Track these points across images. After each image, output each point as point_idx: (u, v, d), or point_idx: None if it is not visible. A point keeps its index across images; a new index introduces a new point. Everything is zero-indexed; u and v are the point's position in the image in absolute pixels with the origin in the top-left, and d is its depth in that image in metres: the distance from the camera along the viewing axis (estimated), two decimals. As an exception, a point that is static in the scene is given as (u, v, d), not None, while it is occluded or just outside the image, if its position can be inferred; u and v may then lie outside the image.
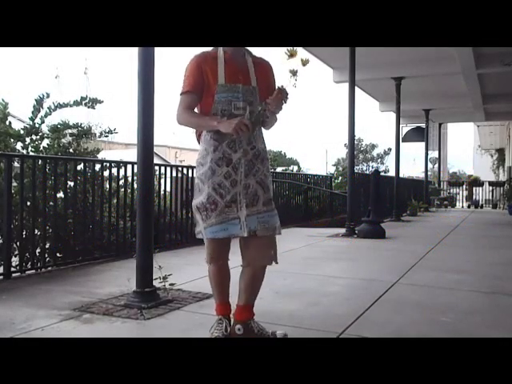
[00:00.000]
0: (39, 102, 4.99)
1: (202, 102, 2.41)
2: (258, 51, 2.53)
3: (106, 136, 5.61)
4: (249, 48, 2.49)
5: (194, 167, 7.80)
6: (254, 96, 2.40)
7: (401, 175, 12.30)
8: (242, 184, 2.35)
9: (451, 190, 20.90)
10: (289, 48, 2.30)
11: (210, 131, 2.37)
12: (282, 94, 2.25)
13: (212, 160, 2.35)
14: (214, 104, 2.35)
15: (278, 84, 2.38)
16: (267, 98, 2.30)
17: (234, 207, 2.35)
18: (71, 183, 4.81)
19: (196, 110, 2.45)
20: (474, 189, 19.87)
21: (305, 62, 2.32)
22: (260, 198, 2.39)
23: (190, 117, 2.41)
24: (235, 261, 2.54)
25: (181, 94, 2.41)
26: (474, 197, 19.73)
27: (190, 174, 6.59)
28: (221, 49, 2.39)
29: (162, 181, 6.15)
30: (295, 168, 18.80)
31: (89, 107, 5.23)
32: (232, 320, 2.49)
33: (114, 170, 5.35)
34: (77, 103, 5.15)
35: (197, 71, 2.36)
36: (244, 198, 2.35)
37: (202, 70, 2.36)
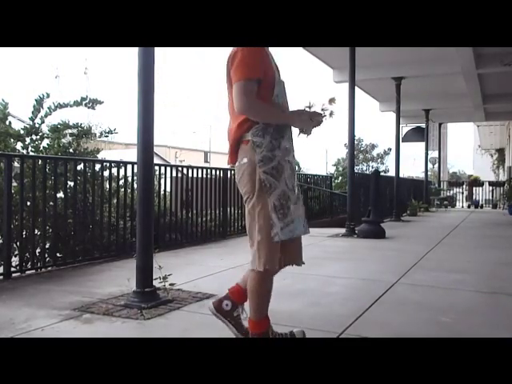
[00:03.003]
0: (39, 102, 5.00)
1: (260, 93, 2.21)
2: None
3: (106, 136, 5.61)
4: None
5: (194, 167, 7.67)
6: None
7: (401, 175, 12.31)
8: (295, 180, 2.35)
9: (451, 190, 20.91)
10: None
11: (271, 124, 2.24)
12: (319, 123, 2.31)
13: (280, 155, 2.23)
14: (273, 97, 2.24)
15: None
16: None
17: (299, 204, 2.32)
18: (71, 183, 4.81)
19: None
20: (474, 189, 19.88)
21: (331, 100, 2.34)
22: None
23: (268, 106, 2.24)
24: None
25: (246, 80, 2.17)
26: (474, 197, 19.74)
27: (190, 174, 6.60)
28: None
29: (162, 181, 6.16)
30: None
31: (89, 108, 5.23)
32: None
33: (114, 170, 5.35)
34: (77, 103, 5.15)
35: (263, 59, 2.23)
36: (300, 194, 2.36)
37: (267, 59, 2.26)
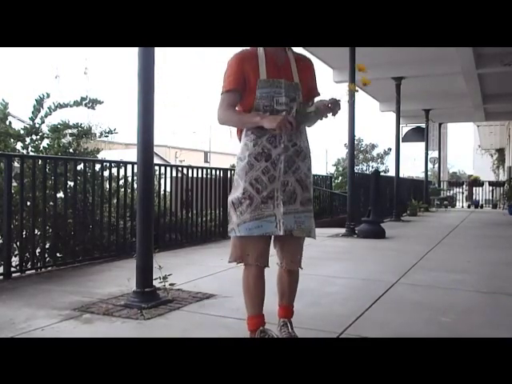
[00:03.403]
0: (39, 102, 5.00)
1: (242, 100, 2.34)
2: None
3: (106, 136, 5.61)
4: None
5: (194, 167, 7.72)
6: (297, 92, 2.34)
7: (401, 175, 12.30)
8: (280, 180, 2.27)
9: (451, 191, 20.91)
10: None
11: (250, 128, 2.32)
12: (336, 107, 2.24)
13: (251, 155, 2.28)
14: (255, 100, 2.29)
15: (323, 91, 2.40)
16: (307, 95, 2.36)
17: (271, 204, 2.26)
18: (71, 183, 4.81)
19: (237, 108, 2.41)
20: (474, 189, 19.88)
21: (365, 82, 2.35)
22: (298, 196, 2.31)
23: (232, 115, 2.35)
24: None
25: (222, 94, 2.35)
26: (474, 197, 19.74)
27: (190, 174, 6.60)
28: (260, 47, 2.35)
29: (162, 181, 6.16)
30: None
31: (89, 108, 5.23)
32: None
33: (114, 170, 5.35)
34: (77, 103, 5.15)
35: (238, 69, 2.31)
36: (282, 195, 2.26)
37: (243, 68, 2.31)
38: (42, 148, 4.96)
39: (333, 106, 2.25)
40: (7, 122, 4.84)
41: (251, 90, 2.30)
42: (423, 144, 16.16)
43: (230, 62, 2.34)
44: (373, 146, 33.93)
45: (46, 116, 5.03)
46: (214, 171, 7.18)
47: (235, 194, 2.31)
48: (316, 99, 2.42)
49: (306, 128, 2.44)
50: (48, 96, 5.03)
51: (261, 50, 2.34)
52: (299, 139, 2.35)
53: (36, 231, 4.50)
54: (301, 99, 2.35)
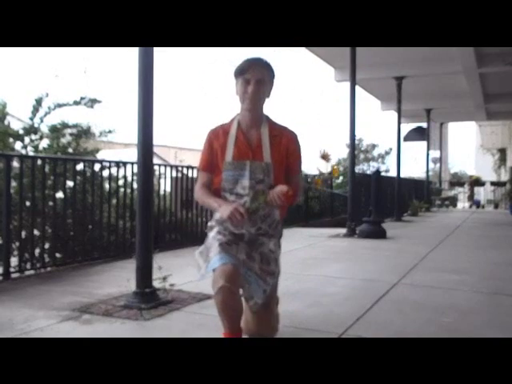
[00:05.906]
0: (39, 102, 4.99)
1: (215, 177, 2.35)
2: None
3: (106, 136, 5.61)
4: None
5: (194, 167, 7.72)
6: (266, 173, 2.25)
7: (402, 175, 12.29)
8: (244, 252, 2.27)
9: (453, 190, 20.91)
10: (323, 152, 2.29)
11: None
12: (284, 198, 2.10)
13: (217, 228, 2.36)
14: (222, 181, 2.28)
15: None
16: (281, 172, 2.28)
17: (235, 248, 2.27)
18: (70, 183, 4.80)
19: None
20: (475, 189, 19.88)
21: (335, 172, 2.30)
22: (256, 260, 2.28)
23: (202, 196, 2.37)
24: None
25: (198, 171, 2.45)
26: (475, 197, 19.74)
27: (189, 174, 6.59)
28: (236, 121, 2.32)
29: (162, 181, 6.15)
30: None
31: (88, 107, 5.23)
32: None
33: (114, 170, 5.34)
34: (76, 103, 5.15)
35: (208, 149, 2.35)
36: (242, 252, 2.28)
37: (213, 148, 2.33)
38: (41, 148, 4.96)
39: (283, 197, 2.11)
40: (6, 122, 4.84)
41: (219, 170, 2.31)
42: (424, 144, 16.16)
43: (205, 139, 2.37)
44: (374, 146, 33.92)
45: (45, 116, 5.03)
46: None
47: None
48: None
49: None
50: (47, 95, 5.03)
51: (234, 126, 2.30)
52: (264, 223, 2.30)
53: (35, 231, 4.49)
54: (271, 180, 2.25)
